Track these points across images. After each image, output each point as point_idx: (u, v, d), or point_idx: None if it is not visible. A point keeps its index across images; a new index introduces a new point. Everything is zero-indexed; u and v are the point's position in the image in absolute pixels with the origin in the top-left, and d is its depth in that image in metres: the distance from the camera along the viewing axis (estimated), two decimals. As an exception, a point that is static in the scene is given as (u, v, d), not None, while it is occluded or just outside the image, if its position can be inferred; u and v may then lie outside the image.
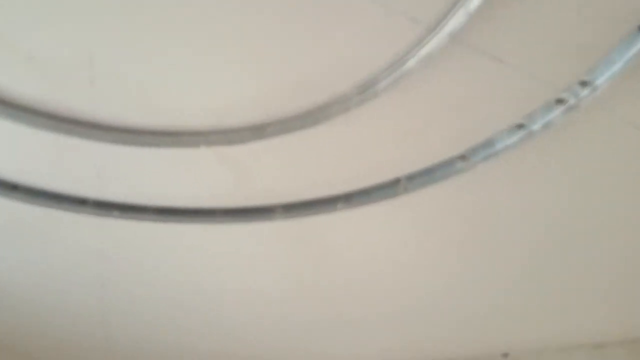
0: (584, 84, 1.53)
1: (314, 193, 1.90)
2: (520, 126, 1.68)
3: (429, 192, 1.84)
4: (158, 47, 1.50)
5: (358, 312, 2.46)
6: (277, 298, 2.42)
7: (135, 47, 1.48)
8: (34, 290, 2.44)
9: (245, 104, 1.64)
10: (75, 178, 1.89)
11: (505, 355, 2.74)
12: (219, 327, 2.65)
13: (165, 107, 1.64)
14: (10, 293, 2.46)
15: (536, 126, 1.64)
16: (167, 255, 2.23)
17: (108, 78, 1.53)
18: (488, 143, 1.74)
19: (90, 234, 2.14)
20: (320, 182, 1.87)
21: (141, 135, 1.68)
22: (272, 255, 2.18)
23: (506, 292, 2.32)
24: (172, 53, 1.52)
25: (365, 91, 1.55)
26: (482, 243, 2.09)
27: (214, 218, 2.04)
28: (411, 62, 1.47)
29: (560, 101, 1.59)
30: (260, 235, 2.09)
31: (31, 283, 2.43)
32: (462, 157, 1.78)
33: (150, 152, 1.76)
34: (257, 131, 1.68)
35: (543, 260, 2.13)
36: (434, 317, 2.49)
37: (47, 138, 1.69)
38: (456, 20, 1.36)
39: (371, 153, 1.76)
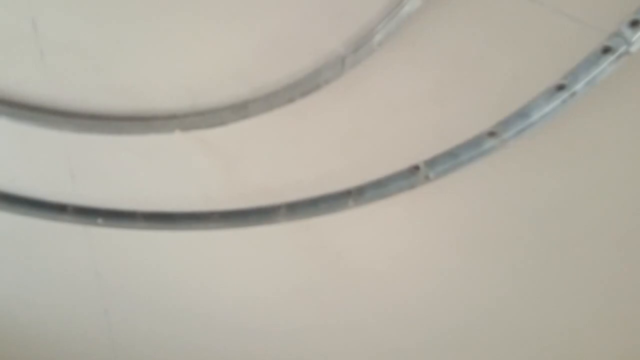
0: (635, 24, 1.22)
1: (317, 185, 1.62)
2: (560, 87, 1.37)
3: (454, 179, 1.52)
4: (114, 11, 1.29)
5: (371, 321, 2.12)
6: (282, 306, 2.11)
7: (85, 11, 1.28)
8: (23, 311, 2.24)
9: (223, 78, 1.40)
10: (47, 179, 1.69)
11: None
12: (223, 335, 2.35)
13: (130, 86, 1.42)
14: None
15: (579, 85, 1.33)
16: (163, 263, 1.99)
17: (57, 50, 1.33)
18: (522, 113, 1.43)
19: (76, 244, 1.94)
20: (322, 171, 1.60)
21: (107, 120, 1.47)
22: (276, 261, 1.91)
23: (558, 304, 1.93)
24: (132, 19, 1.31)
25: (359, 48, 1.28)
26: (522, 240, 1.73)
27: (208, 223, 1.79)
28: (412, 4, 1.20)
29: (607, 50, 1.28)
30: (263, 240, 1.83)
31: (18, 302, 2.24)
32: (491, 134, 1.47)
33: (121, 143, 1.54)
34: (239, 110, 1.43)
35: (608, 263, 1.75)
36: (474, 335, 2.13)
37: (7, 129, 1.50)
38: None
39: (376, 129, 1.47)
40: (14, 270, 2.10)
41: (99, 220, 1.80)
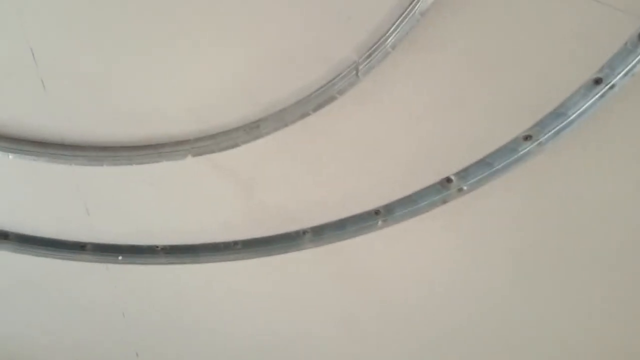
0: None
1: (341, 206, 1.52)
2: (597, 81, 1.24)
3: (489, 190, 1.40)
4: (113, 35, 1.23)
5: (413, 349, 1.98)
6: (317, 339, 2.00)
7: (83, 36, 1.22)
8: (47, 355, 2.18)
9: (231, 98, 1.32)
10: (62, 216, 1.64)
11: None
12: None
13: (136, 113, 1.35)
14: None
15: (617, 77, 1.21)
16: (188, 298, 1.90)
17: (59, 79, 1.27)
18: (558, 112, 1.31)
19: (99, 283, 1.87)
20: (345, 189, 1.49)
21: (116, 150, 1.40)
22: (304, 290, 1.80)
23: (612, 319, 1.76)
24: (133, 42, 1.25)
25: (372, 53, 1.18)
26: (564, 255, 1.58)
27: (231, 253, 1.70)
28: (425, 1, 1.11)
29: (648, 36, 1.15)
30: (289, 268, 1.73)
31: (42, 346, 2.18)
32: (527, 137, 1.35)
33: (134, 174, 1.48)
34: (251, 129, 1.35)
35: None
36: None
37: (15, 166, 1.45)
38: None
39: (398, 140, 1.36)
40: (37, 313, 2.05)
41: (120, 257, 1.74)
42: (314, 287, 1.77)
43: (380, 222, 1.58)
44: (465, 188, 1.46)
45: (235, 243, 1.71)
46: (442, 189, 1.49)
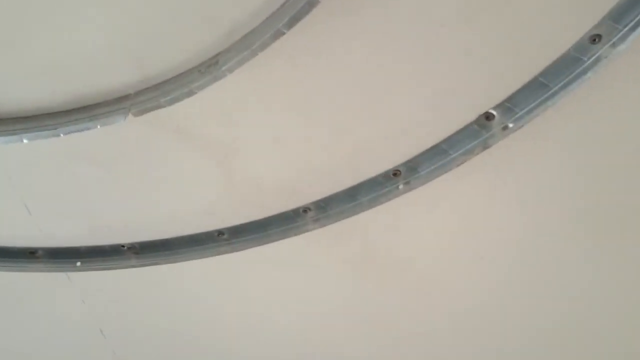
0: None
1: (349, 169, 1.16)
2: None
3: (543, 124, 1.03)
4: None
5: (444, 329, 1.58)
6: (336, 337, 1.62)
7: None
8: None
9: (178, 27, 0.98)
10: (1, 221, 1.31)
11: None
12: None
13: (54, 65, 1.01)
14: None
15: None
16: (172, 305, 1.54)
17: None
18: None
19: (67, 298, 1.54)
20: (350, 146, 1.12)
21: (38, 120, 1.06)
22: (315, 282, 1.43)
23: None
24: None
25: None
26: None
27: (217, 246, 1.35)
28: None
29: None
30: (292, 257, 1.37)
31: None
32: (595, 38, 0.97)
33: (69, 152, 1.14)
34: (207, 68, 0.99)
35: None
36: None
37: None
38: None
39: (417, 65, 1.00)
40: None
41: (78, 264, 1.41)
42: (326, 280, 1.41)
43: (401, 186, 1.21)
44: (511, 125, 1.09)
45: (220, 233, 1.35)
46: (481, 130, 1.11)
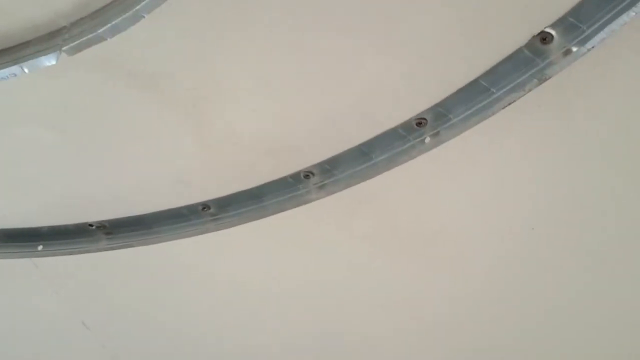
0: None
1: (357, 119, 0.89)
2: None
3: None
4: None
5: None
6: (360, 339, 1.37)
7: None
8: None
9: None
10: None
11: None
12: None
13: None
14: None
15: None
16: (157, 292, 1.30)
17: None
18: None
19: (40, 291, 1.32)
20: (357, 89, 0.85)
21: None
22: (322, 261, 1.17)
23: None
24: None
25: None
26: None
27: (200, 223, 1.10)
28: None
29: None
30: (294, 232, 1.11)
31: None
32: None
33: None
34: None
35: None
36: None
37: None
38: None
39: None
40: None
41: (40, 247, 1.18)
42: (339, 261, 1.15)
43: (428, 139, 0.94)
44: (574, 49, 0.81)
45: (205, 206, 1.10)
46: (535, 57, 0.83)
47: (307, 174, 1.02)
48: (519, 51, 0.81)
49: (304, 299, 1.24)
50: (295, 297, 1.24)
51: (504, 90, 0.84)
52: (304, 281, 1.20)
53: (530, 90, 0.82)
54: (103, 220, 1.14)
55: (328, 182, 1.02)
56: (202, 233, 1.10)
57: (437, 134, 0.92)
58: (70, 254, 1.17)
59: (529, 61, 0.82)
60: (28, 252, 1.18)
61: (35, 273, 1.27)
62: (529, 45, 0.80)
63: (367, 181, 0.99)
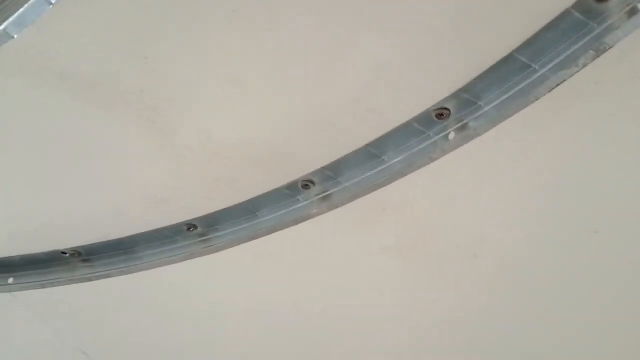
0: None
1: (364, 109, 0.71)
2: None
3: None
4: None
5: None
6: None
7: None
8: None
9: None
10: None
11: None
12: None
13: None
14: None
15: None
16: (152, 317, 1.16)
17: None
18: None
19: (27, 322, 1.19)
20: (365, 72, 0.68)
21: None
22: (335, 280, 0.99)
23: None
24: None
25: None
26: None
27: (187, 247, 0.94)
28: None
29: None
30: (299, 250, 0.94)
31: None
32: None
33: None
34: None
35: None
36: None
37: None
38: None
39: None
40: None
41: (11, 280, 1.04)
42: (361, 276, 0.98)
43: (452, 134, 0.75)
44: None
45: (191, 226, 0.94)
46: (588, 20, 0.63)
47: (306, 184, 0.84)
48: (566, 14, 0.61)
49: (315, 324, 1.08)
50: (305, 321, 1.08)
51: (550, 66, 0.65)
52: (314, 305, 1.03)
53: (585, 65, 0.62)
54: (76, 247, 0.99)
55: (333, 192, 0.84)
56: (190, 258, 0.95)
57: (464, 127, 0.73)
58: (43, 286, 1.03)
59: (581, 26, 0.62)
60: (-1, 285, 1.05)
61: (15, 304, 1.14)
62: (579, 4, 0.60)
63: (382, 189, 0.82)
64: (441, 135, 0.75)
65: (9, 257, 1.04)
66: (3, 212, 0.96)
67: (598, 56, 0.61)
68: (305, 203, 0.86)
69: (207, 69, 0.69)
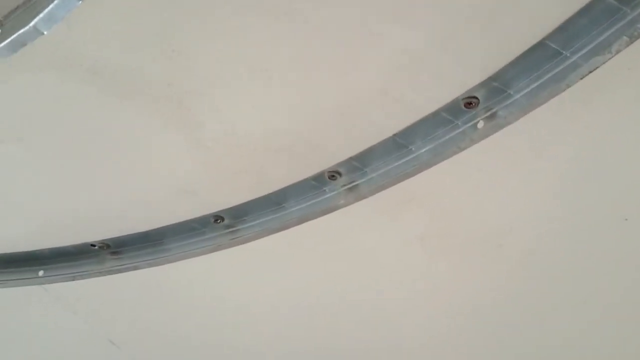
0: None
1: (382, 101, 0.71)
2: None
3: None
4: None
5: None
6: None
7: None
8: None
9: None
10: None
11: None
12: None
13: None
14: None
15: None
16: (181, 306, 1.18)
17: None
18: None
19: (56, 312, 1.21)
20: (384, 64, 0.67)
21: None
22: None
23: None
24: None
25: None
26: None
27: (214, 236, 0.95)
28: None
29: None
30: (326, 243, 0.94)
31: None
32: None
33: None
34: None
35: None
36: None
37: None
38: None
39: None
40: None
41: (41, 272, 1.06)
42: (389, 267, 0.98)
43: (481, 122, 0.74)
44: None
45: (218, 217, 0.95)
46: (621, 5, 0.62)
47: (333, 174, 0.85)
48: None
49: (348, 313, 1.08)
50: (332, 312, 1.08)
51: (582, 53, 0.64)
52: (341, 296, 1.04)
53: (618, 51, 0.61)
54: (105, 239, 1.01)
55: (359, 183, 0.84)
56: (217, 249, 0.96)
57: (493, 115, 0.73)
58: (73, 278, 1.05)
59: (614, 11, 0.61)
60: (28, 280, 1.06)
61: (45, 295, 1.16)
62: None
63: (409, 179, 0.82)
64: (470, 124, 0.74)
65: (39, 250, 1.07)
66: (33, 205, 0.98)
67: (632, 42, 0.60)
68: (332, 194, 0.87)
69: (233, 61, 0.70)
